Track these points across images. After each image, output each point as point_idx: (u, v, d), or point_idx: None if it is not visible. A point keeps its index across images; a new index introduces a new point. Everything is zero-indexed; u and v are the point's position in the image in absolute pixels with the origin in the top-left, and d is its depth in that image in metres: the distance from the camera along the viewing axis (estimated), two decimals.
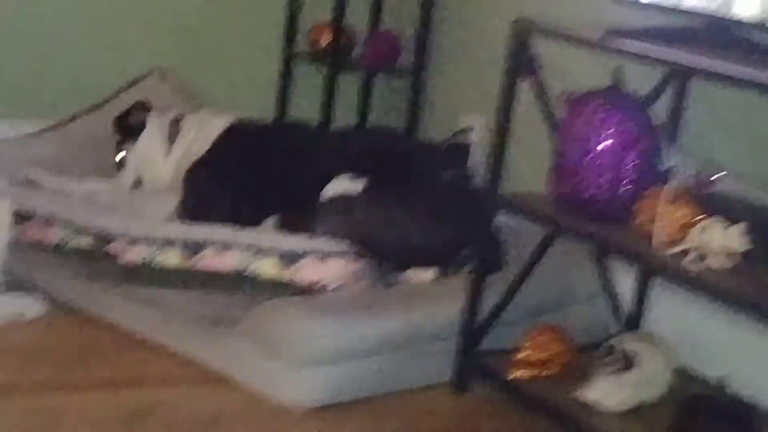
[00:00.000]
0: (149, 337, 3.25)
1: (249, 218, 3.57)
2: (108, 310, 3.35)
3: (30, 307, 3.31)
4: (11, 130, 4.10)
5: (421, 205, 3.50)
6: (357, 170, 3.56)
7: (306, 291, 3.30)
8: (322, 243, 3.40)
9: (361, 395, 3.13)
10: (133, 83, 4.28)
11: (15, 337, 3.23)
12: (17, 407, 2.83)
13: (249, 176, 3.71)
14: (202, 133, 3.81)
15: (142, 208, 3.64)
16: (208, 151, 3.77)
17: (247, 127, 3.87)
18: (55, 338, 3.24)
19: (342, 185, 3.53)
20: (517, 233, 3.54)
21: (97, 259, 3.39)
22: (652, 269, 3.21)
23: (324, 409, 3.05)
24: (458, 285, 3.31)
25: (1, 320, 3.25)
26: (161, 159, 3.84)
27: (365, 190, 3.51)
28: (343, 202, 3.49)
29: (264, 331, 3.06)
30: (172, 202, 3.69)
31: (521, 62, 3.12)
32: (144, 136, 3.85)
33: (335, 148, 3.74)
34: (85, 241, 3.43)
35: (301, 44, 4.64)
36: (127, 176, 3.89)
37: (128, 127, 3.91)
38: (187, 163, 3.78)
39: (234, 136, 3.82)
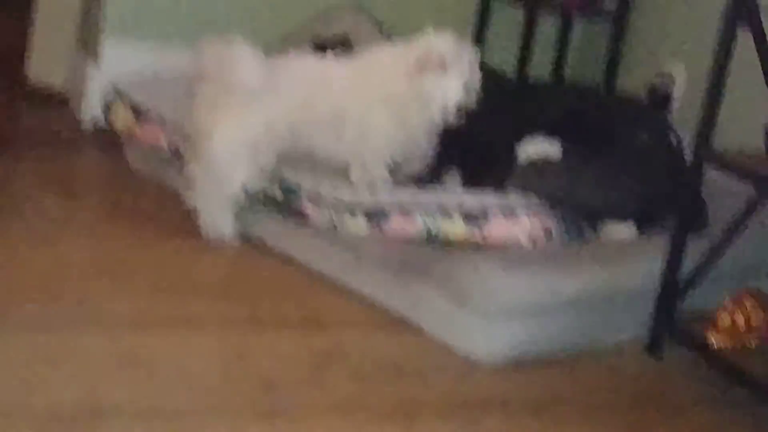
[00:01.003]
0: (337, 279, 3.20)
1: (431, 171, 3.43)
2: (298, 248, 3.30)
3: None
4: None
5: (619, 170, 3.31)
6: (554, 131, 3.38)
7: (498, 248, 3.17)
8: (512, 200, 3.26)
9: (553, 352, 3.02)
10: (328, 16, 4.21)
11: (207, 270, 3.23)
12: (206, 341, 2.81)
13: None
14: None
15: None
16: None
17: None
18: (246, 273, 3.22)
19: (539, 148, 3.35)
20: (726, 192, 3.35)
21: (286, 213, 3.32)
22: None
23: (514, 364, 2.95)
24: (659, 243, 3.16)
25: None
26: None
27: (564, 155, 3.34)
28: (544, 166, 3.32)
29: (455, 282, 2.96)
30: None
31: (743, 8, 2.92)
32: None
33: (530, 105, 3.58)
34: (277, 193, 3.36)
35: None
36: None
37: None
38: None
39: None
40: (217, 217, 3.34)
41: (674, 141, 3.50)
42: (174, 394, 2.54)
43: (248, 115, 3.24)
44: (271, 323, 2.94)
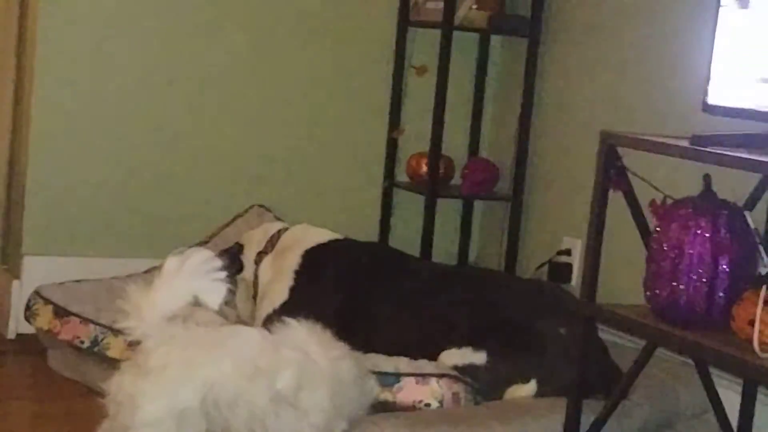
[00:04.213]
0: None
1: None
2: None
3: None
4: (124, 269, 4.24)
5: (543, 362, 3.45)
6: (479, 340, 3.49)
7: (407, 410, 3.31)
8: (423, 364, 3.43)
9: None
10: (234, 219, 4.42)
11: None
12: None
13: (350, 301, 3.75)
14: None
15: None
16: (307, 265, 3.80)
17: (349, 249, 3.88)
18: None
19: (465, 357, 3.49)
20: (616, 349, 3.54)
21: None
22: (754, 377, 3.17)
23: None
24: (559, 401, 3.30)
25: None
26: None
27: (490, 362, 3.47)
28: (471, 371, 3.45)
29: None
30: None
31: (610, 174, 3.16)
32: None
33: (449, 306, 3.62)
34: None
35: (401, 174, 4.76)
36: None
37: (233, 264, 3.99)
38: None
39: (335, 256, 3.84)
40: None
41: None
42: None
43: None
44: None
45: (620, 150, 3.16)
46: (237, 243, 4.00)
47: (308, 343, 3.01)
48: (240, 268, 3.90)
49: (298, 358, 2.95)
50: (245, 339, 2.96)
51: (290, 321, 3.09)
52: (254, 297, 3.89)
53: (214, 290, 2.88)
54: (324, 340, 3.06)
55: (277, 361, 2.92)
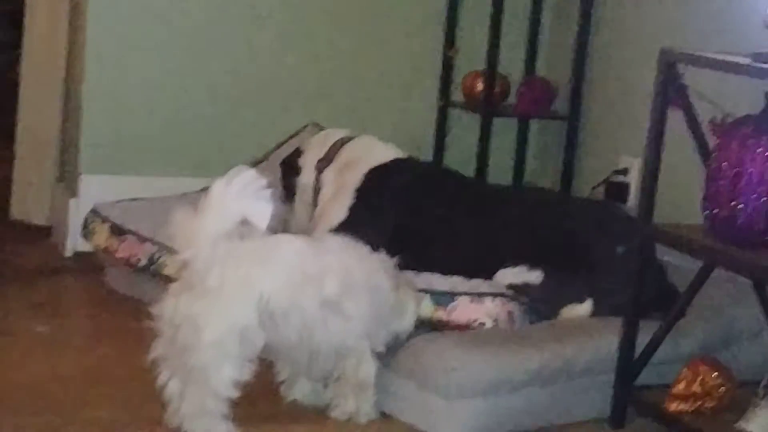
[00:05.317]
0: None
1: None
2: None
3: None
4: (181, 187, 4.26)
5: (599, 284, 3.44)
6: (535, 260, 3.48)
7: (461, 329, 3.31)
8: (478, 284, 3.43)
9: (516, 429, 3.13)
10: (290, 137, 4.40)
11: None
12: None
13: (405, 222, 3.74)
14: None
15: None
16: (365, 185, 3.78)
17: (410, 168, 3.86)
18: None
19: (520, 275, 3.48)
20: (674, 270, 3.51)
21: None
22: None
23: None
24: (614, 321, 3.28)
25: None
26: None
27: (545, 280, 3.46)
28: (526, 290, 3.45)
29: (416, 364, 3.09)
30: None
31: (670, 92, 3.11)
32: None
33: (505, 226, 3.60)
34: None
35: (456, 94, 4.72)
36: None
37: (292, 170, 4.00)
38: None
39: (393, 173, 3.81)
40: (210, 425, 2.92)
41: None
42: None
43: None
44: (245, 418, 3.02)
45: (680, 68, 3.11)
46: (297, 148, 4.00)
47: (347, 255, 3.05)
48: (297, 174, 3.90)
49: (340, 266, 3.00)
50: (291, 248, 3.01)
51: (329, 235, 3.13)
52: (313, 204, 3.88)
53: (261, 211, 2.89)
54: (362, 254, 3.10)
55: (323, 267, 2.98)
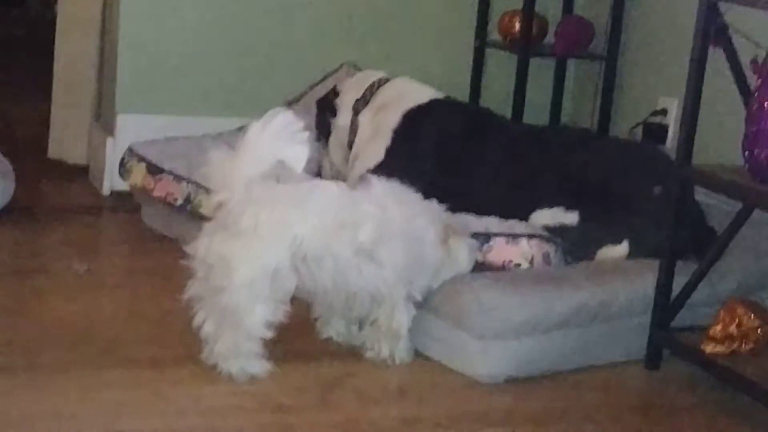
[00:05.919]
0: None
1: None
2: None
3: None
4: (217, 126, 4.25)
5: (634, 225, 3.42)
6: (571, 201, 3.47)
7: (497, 270, 3.30)
8: (513, 224, 3.41)
9: (551, 369, 3.13)
10: (325, 78, 4.38)
11: None
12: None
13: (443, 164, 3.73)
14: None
15: None
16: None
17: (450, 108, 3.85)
18: None
19: (556, 217, 3.47)
20: (713, 210, 3.48)
21: None
22: None
23: (513, 382, 3.06)
24: (651, 262, 3.26)
25: None
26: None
27: (581, 222, 3.44)
28: (562, 231, 3.42)
29: (452, 305, 3.08)
30: None
31: (711, 31, 3.07)
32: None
33: (542, 167, 3.58)
34: None
35: (493, 33, 4.68)
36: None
37: (329, 111, 3.97)
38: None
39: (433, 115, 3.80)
40: (245, 364, 2.93)
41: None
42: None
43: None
44: (280, 356, 3.05)
45: (721, 6, 3.06)
46: (333, 88, 3.98)
47: (385, 200, 3.02)
48: (333, 114, 3.88)
49: (376, 213, 2.98)
50: (327, 194, 2.98)
51: (370, 177, 3.11)
52: (349, 146, 3.88)
53: (296, 152, 2.89)
54: (402, 198, 3.07)
55: (358, 214, 2.96)
